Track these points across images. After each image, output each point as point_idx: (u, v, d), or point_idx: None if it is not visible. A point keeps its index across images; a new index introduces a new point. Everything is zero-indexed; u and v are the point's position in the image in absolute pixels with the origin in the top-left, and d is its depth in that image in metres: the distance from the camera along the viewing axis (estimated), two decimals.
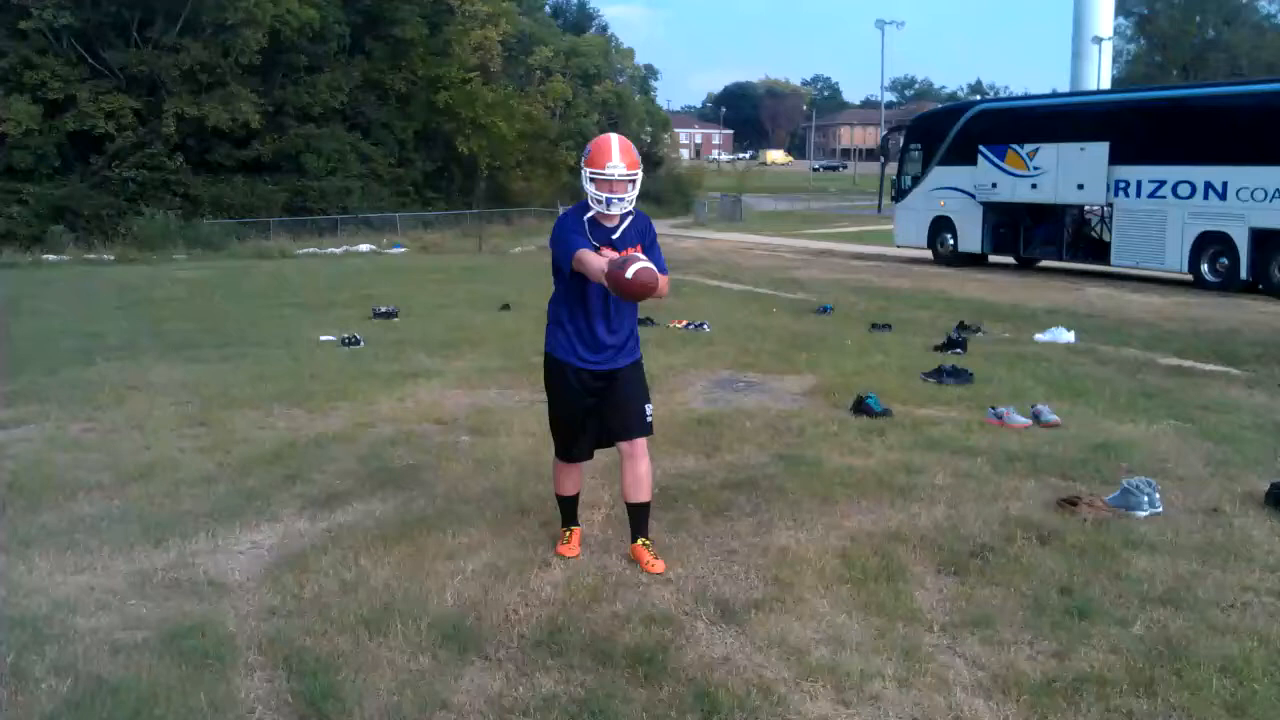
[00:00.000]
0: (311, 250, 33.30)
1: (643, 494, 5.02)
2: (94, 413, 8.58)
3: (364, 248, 34.10)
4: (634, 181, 4.76)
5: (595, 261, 4.58)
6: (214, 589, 4.72)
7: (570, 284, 4.85)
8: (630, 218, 4.87)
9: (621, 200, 4.74)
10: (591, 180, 4.74)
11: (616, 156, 4.72)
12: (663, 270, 4.69)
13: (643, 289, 4.48)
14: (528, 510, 5.82)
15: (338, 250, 33.44)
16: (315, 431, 7.83)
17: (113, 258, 30.38)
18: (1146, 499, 5.71)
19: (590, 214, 4.82)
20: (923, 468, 6.64)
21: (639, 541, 5.04)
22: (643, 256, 4.60)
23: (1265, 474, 6.39)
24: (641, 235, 4.88)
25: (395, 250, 33.63)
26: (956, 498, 6.01)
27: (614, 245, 4.78)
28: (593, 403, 4.97)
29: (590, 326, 4.89)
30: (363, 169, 43.30)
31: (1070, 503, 5.77)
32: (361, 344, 12.15)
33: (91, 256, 30.73)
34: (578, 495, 5.31)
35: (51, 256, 30.56)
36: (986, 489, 6.18)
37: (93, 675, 3.84)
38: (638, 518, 5.07)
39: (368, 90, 44.84)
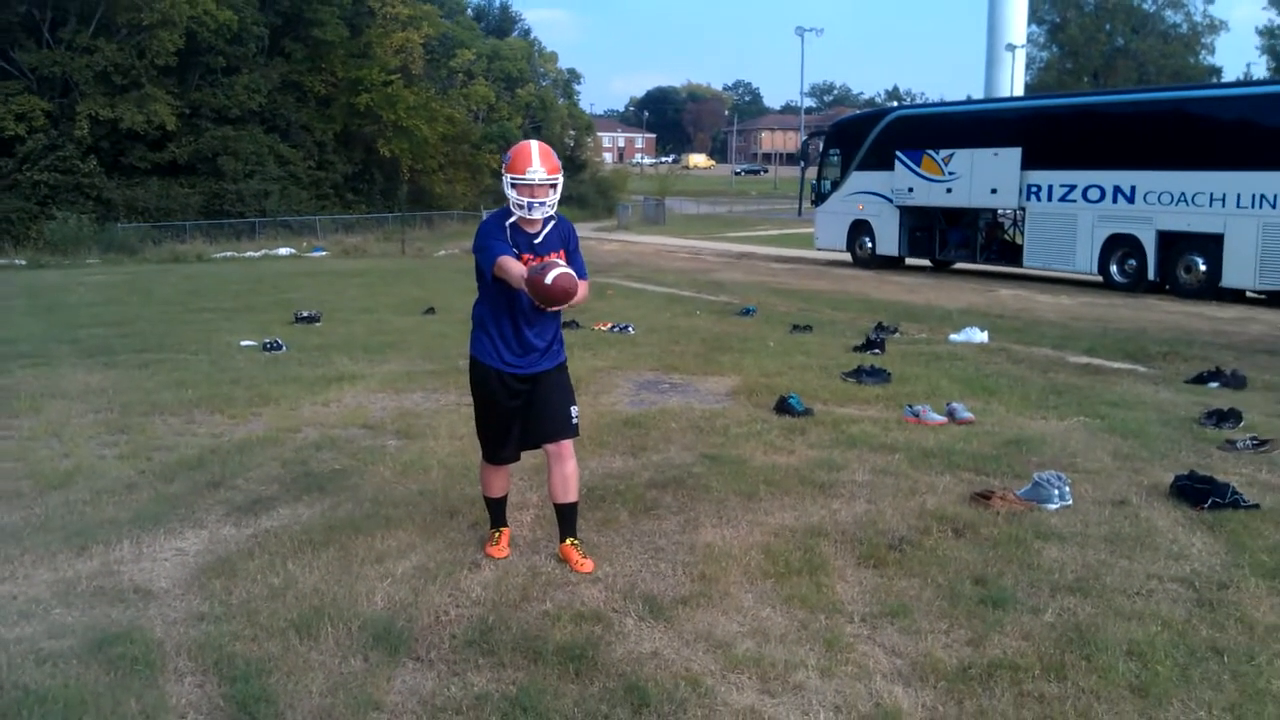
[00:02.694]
0: (229, 254, 32.81)
1: (570, 495, 5.09)
2: (10, 420, 8.41)
3: (283, 251, 33.67)
4: (555, 186, 4.81)
5: (515, 268, 4.63)
6: (140, 596, 4.69)
7: (493, 289, 4.88)
8: (552, 223, 4.92)
9: (543, 205, 4.79)
10: (512, 186, 4.78)
11: (536, 162, 4.76)
12: (582, 275, 4.78)
13: (562, 294, 4.53)
14: (456, 512, 5.85)
15: (256, 254, 32.98)
16: (238, 437, 7.76)
17: (24, 262, 29.61)
18: (1057, 492, 5.92)
19: (512, 219, 4.84)
20: (843, 464, 6.80)
21: (568, 541, 5.10)
22: (562, 262, 4.65)
23: (1170, 467, 6.66)
24: (564, 240, 4.94)
25: (316, 254, 33.26)
26: (875, 493, 6.17)
27: (536, 251, 4.82)
28: (518, 405, 5.00)
29: (514, 331, 4.92)
30: (281, 171, 42.70)
31: (984, 497, 5.96)
32: (284, 349, 12.03)
33: (2, 261, 29.89)
34: (506, 497, 5.34)
35: None
36: (904, 484, 6.35)
37: (18, 685, 3.80)
38: (566, 518, 5.13)
39: (287, 92, 44.25)
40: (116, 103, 38.06)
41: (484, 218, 5.06)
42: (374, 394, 9.42)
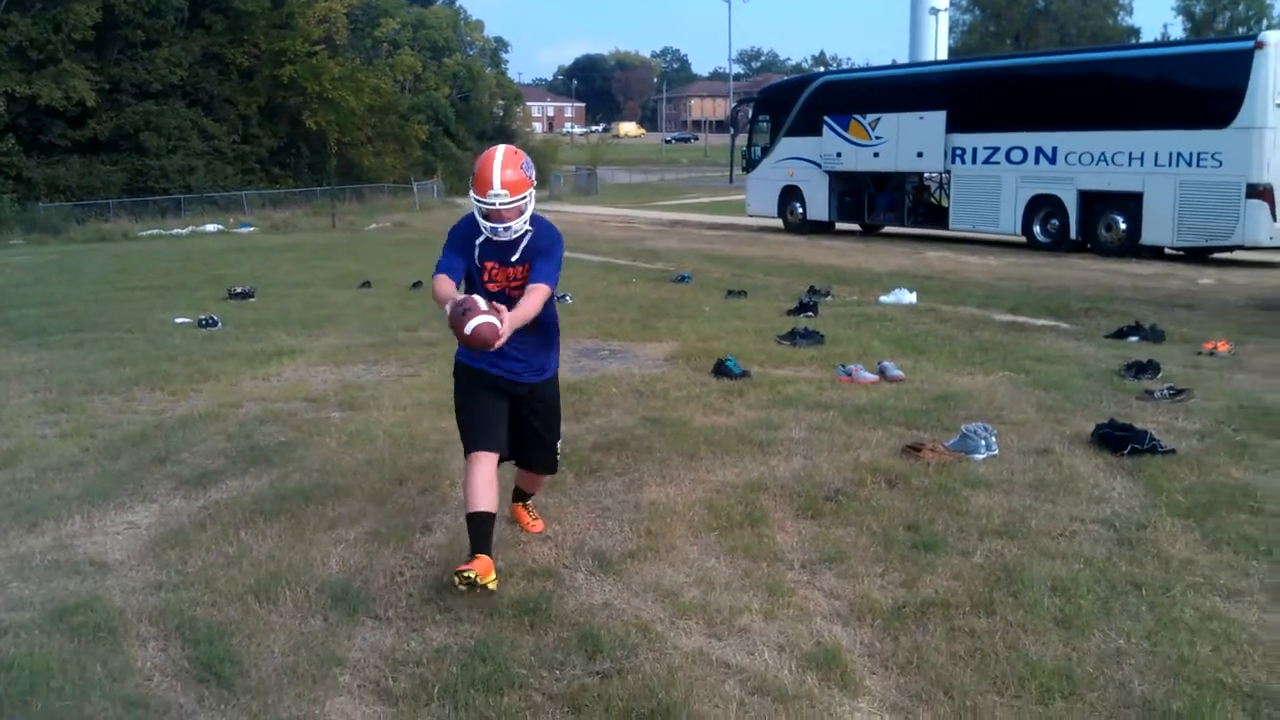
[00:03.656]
0: (155, 231, 32.29)
1: (536, 489, 5.19)
2: None
3: (211, 228, 33.20)
4: (523, 207, 4.33)
5: (443, 295, 4.29)
6: (95, 568, 4.75)
7: (468, 292, 4.40)
8: (529, 235, 4.45)
9: (509, 228, 4.33)
10: (475, 206, 4.34)
11: (497, 182, 4.25)
12: (550, 281, 4.40)
13: (480, 345, 4.13)
14: (405, 479, 5.95)
15: (183, 231, 32.47)
16: (180, 413, 7.78)
17: None
18: (984, 443, 6.18)
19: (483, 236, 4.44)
20: (780, 423, 7.01)
21: (520, 502, 5.16)
22: (484, 306, 4.10)
23: (1091, 417, 6.95)
24: (540, 251, 4.45)
25: (244, 229, 32.82)
26: (812, 449, 6.39)
27: (507, 263, 4.44)
28: (508, 404, 4.59)
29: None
30: (205, 146, 41.92)
31: (914, 449, 6.21)
32: (219, 325, 11.97)
33: None
34: (493, 515, 4.37)
35: None
36: (838, 440, 6.58)
37: None
38: (525, 493, 5.17)
39: (208, 65, 43.35)
40: (33, 79, 37.05)
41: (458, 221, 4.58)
42: (314, 368, 9.45)
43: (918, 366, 8.88)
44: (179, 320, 12.42)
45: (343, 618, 4.12)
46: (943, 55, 43.11)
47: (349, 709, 3.46)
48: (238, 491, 5.85)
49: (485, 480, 4.34)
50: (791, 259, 19.17)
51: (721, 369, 8.64)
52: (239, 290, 14.82)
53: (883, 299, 13.27)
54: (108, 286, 16.98)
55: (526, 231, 4.44)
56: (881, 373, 8.49)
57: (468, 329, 4.06)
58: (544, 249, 4.45)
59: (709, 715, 3.36)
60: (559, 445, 4.86)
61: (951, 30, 55.28)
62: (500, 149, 4.36)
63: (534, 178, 4.40)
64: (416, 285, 14.92)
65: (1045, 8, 71.03)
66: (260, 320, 12.38)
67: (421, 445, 6.68)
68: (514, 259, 4.44)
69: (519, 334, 4.31)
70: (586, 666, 3.70)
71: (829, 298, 13.47)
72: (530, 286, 4.36)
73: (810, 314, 11.85)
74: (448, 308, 4.16)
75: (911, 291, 13.40)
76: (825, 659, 3.69)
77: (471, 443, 4.48)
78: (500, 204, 4.26)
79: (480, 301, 4.13)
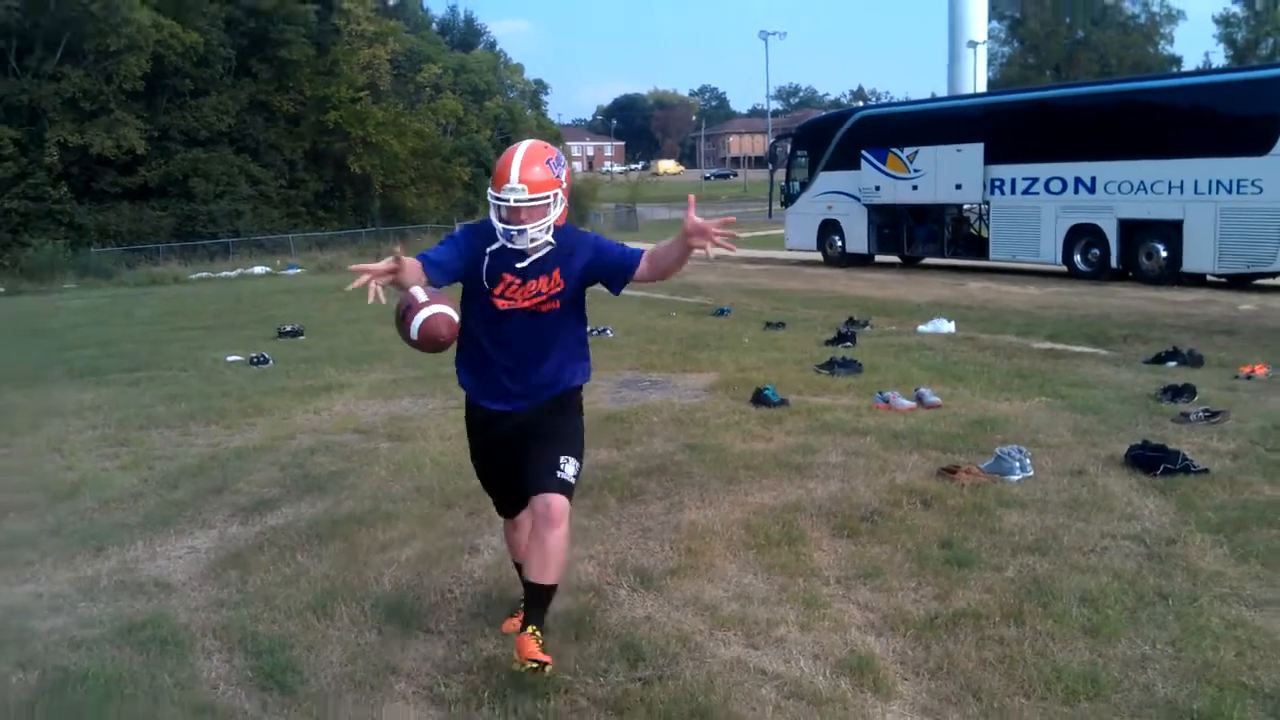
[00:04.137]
0: (204, 274, 33.00)
1: (548, 574, 3.80)
2: (10, 438, 8.66)
3: (259, 270, 33.89)
4: (547, 205, 3.71)
5: (402, 294, 3.77)
6: (160, 589, 4.98)
7: (468, 311, 3.93)
8: (553, 247, 3.80)
9: (524, 233, 3.70)
10: (492, 204, 3.74)
11: (515, 175, 3.66)
12: (635, 252, 3.85)
13: (433, 346, 3.77)
14: (452, 504, 6.16)
15: (232, 273, 33.18)
16: (235, 445, 8.05)
17: (1, 289, 29.66)
18: (1018, 464, 6.29)
19: (497, 244, 3.79)
20: (818, 448, 7.15)
21: (528, 629, 3.79)
22: (427, 298, 3.70)
23: (1126, 439, 7.01)
24: (563, 262, 3.83)
25: (291, 271, 33.49)
26: (848, 472, 6.52)
27: (520, 274, 3.79)
28: (504, 455, 4.05)
29: (492, 372, 3.95)
30: (252, 191, 42.88)
31: (950, 471, 6.32)
32: (270, 362, 12.30)
33: None
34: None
35: None
36: (875, 464, 6.71)
37: (58, 667, 4.09)
38: (534, 599, 3.86)
39: (255, 112, 44.40)
40: (85, 128, 38.15)
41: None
42: (363, 401, 9.71)
43: (955, 393, 8.98)
44: (231, 358, 12.77)
45: (396, 631, 4.31)
46: (981, 88, 43.36)
47: (405, 713, 3.65)
48: (293, 517, 6.07)
49: (522, 537, 4.11)
50: (830, 291, 19.31)
51: (760, 397, 8.79)
52: (288, 329, 15.20)
53: (921, 328, 13.37)
54: (160, 327, 17.45)
55: (549, 245, 3.78)
56: (919, 399, 8.60)
57: (413, 330, 3.69)
58: (589, 242, 3.91)
59: (746, 717, 3.51)
60: (566, 464, 3.83)
61: (990, 63, 55.45)
62: (526, 142, 3.84)
63: (566, 179, 3.78)
64: None
65: (1086, 38, 70.94)
66: (310, 357, 12.70)
67: (467, 473, 6.76)
68: (539, 270, 3.80)
69: (524, 361, 3.87)
70: (629, 674, 3.86)
71: (867, 328, 13.59)
72: (631, 258, 3.85)
73: (849, 344, 11.98)
74: (395, 306, 3.75)
75: (950, 321, 13.50)
76: (859, 666, 3.83)
77: (501, 509, 4.32)
78: (516, 201, 3.65)
79: (418, 293, 3.67)
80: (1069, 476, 6.27)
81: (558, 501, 3.74)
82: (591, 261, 3.85)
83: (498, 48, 77.46)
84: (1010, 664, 3.79)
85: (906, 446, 7.13)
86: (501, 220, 3.70)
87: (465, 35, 76.34)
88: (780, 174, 28.91)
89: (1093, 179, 20.13)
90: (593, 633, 4.22)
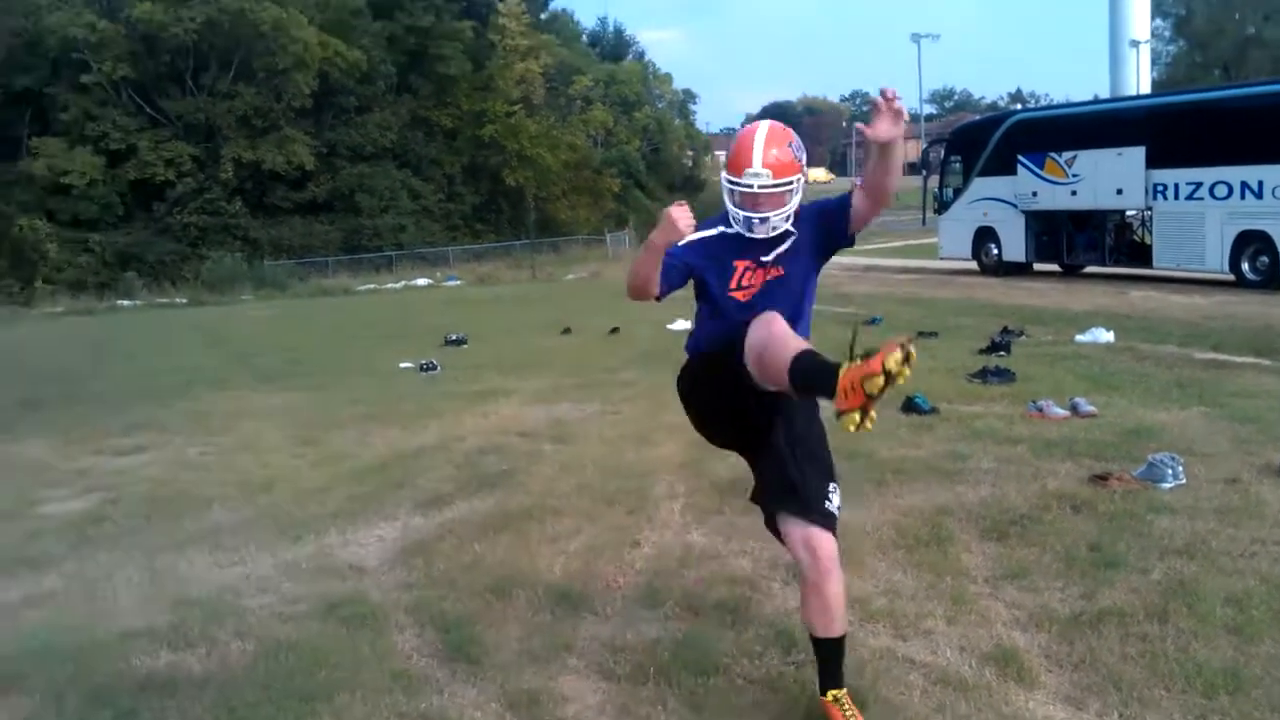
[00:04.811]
0: (371, 286, 34.52)
1: (833, 626, 3.56)
2: (208, 438, 9.45)
3: (421, 281, 35.27)
4: (791, 191, 3.48)
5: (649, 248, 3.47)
6: (354, 572, 5.50)
7: (704, 311, 3.72)
8: (794, 237, 3.59)
9: (765, 221, 3.49)
10: (729, 189, 3.53)
11: (759, 159, 3.44)
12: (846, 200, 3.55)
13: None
14: (613, 502, 6.54)
15: (396, 285, 34.62)
16: (412, 446, 8.62)
17: (185, 300, 31.68)
18: (1171, 472, 6.32)
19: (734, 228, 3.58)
20: (968, 455, 7.28)
21: (829, 695, 3.58)
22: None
23: None
24: (795, 231, 3.59)
25: (451, 283, 34.73)
26: (999, 478, 6.65)
27: (762, 264, 3.60)
28: (750, 405, 3.62)
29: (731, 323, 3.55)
30: (414, 205, 44.67)
31: (1101, 478, 6.40)
32: (439, 369, 12.99)
33: (164, 300, 32.13)
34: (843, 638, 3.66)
35: (125, 302, 32.00)
36: (1026, 470, 6.81)
37: (270, 638, 4.61)
38: (826, 657, 3.62)
39: (415, 127, 46.23)
40: (258, 145, 40.42)
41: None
42: (526, 406, 10.22)
43: (1111, 403, 8.94)
44: (403, 365, 13.53)
45: (568, 613, 4.70)
46: (1145, 89, 41.93)
47: (578, 685, 4.02)
48: (468, 511, 6.55)
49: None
50: (985, 300, 19.13)
51: (910, 405, 8.92)
52: (454, 338, 15.96)
53: (1078, 338, 13.21)
54: (336, 335, 18.53)
55: (789, 234, 3.58)
56: (1074, 409, 8.60)
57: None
58: (809, 215, 3.63)
59: (894, 700, 3.77)
60: (834, 493, 3.60)
61: (1154, 62, 53.58)
62: (765, 123, 3.58)
63: (805, 161, 3.56)
64: (614, 331, 15.72)
65: (1256, 35, 67.73)
66: (475, 364, 13.35)
67: (626, 473, 7.26)
68: (774, 256, 3.59)
69: (777, 301, 3.56)
70: (783, 658, 4.15)
71: (1023, 337, 13.49)
72: (844, 198, 3.57)
73: (1003, 353, 11.94)
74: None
75: (1109, 330, 13.30)
76: (1003, 658, 4.03)
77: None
78: (759, 186, 3.45)
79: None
80: (1222, 484, 6.27)
81: (827, 544, 3.50)
82: (817, 228, 3.62)
83: (646, 58, 78.26)
84: (1152, 659, 3.94)
85: (1059, 455, 7.20)
86: (738, 206, 3.51)
87: (615, 46, 77.44)
88: (933, 181, 28.63)
89: (1260, 184, 19.38)
90: (749, 620, 4.53)
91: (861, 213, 3.55)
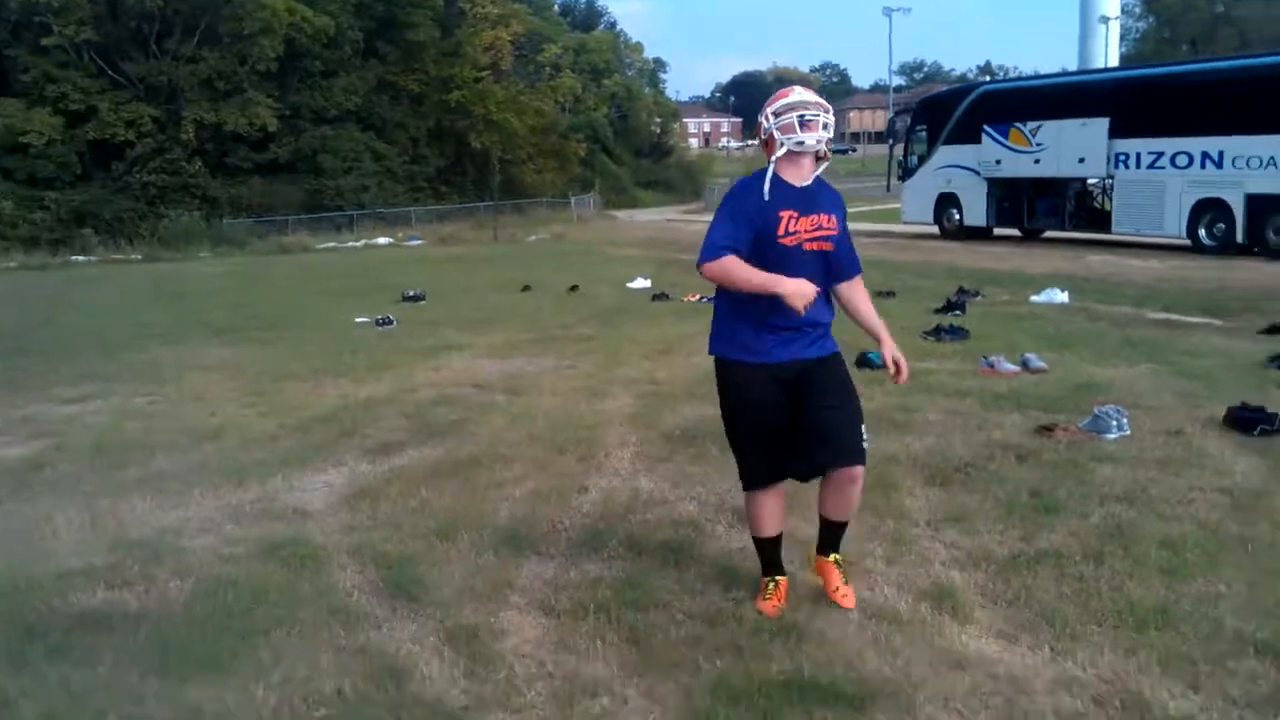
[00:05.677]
0: (331, 245, 34.23)
1: (845, 512, 4.06)
2: (156, 388, 9.33)
3: (382, 241, 35.02)
4: (829, 116, 3.83)
5: (755, 276, 3.74)
6: (298, 515, 5.46)
7: (750, 263, 3.82)
8: (822, 187, 3.95)
9: (819, 141, 3.81)
10: (775, 116, 3.81)
11: (799, 89, 3.89)
12: (856, 270, 4.09)
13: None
14: (564, 450, 6.53)
15: (357, 244, 34.35)
16: (363, 396, 8.56)
17: (140, 256, 31.32)
18: (1115, 423, 6.39)
19: (771, 172, 3.85)
20: (917, 408, 7.33)
21: (831, 556, 4.12)
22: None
23: (1228, 403, 7.04)
24: (836, 206, 3.97)
25: (412, 242, 34.52)
26: (946, 429, 6.70)
27: (805, 209, 3.83)
28: (782, 404, 3.97)
29: (766, 311, 3.85)
30: (377, 167, 44.30)
31: (1047, 429, 6.46)
32: (394, 324, 12.91)
33: (119, 256, 31.75)
34: (780, 537, 4.21)
35: (80, 257, 31.59)
36: (973, 422, 6.87)
37: (209, 576, 4.56)
38: (831, 532, 4.12)
39: (381, 92, 45.80)
40: (220, 107, 39.93)
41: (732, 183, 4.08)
42: (480, 360, 10.18)
43: (1061, 360, 9.02)
44: (359, 320, 13.44)
45: (511, 554, 4.69)
46: (1113, 63, 42.16)
47: (518, 620, 4.01)
48: (417, 459, 6.51)
49: (771, 510, 4.13)
50: (945, 263, 19.24)
51: (864, 361, 8.93)
52: (411, 294, 15.86)
53: (1034, 298, 13.32)
54: (292, 292, 18.34)
55: (829, 199, 3.94)
56: (1024, 364, 8.67)
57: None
58: (841, 217, 3.99)
59: (830, 633, 3.79)
60: (862, 428, 4.03)
61: (1123, 38, 53.83)
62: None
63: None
64: (573, 289, 15.69)
65: (1225, 13, 68.11)
66: (431, 320, 13.28)
67: (578, 424, 7.25)
68: (815, 207, 3.87)
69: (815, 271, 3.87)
70: (724, 595, 4.16)
71: (979, 298, 13.59)
72: (857, 285, 4.11)
73: (958, 312, 12.03)
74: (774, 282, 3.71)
75: (1064, 291, 13.41)
76: (939, 595, 4.07)
77: (752, 480, 4.12)
78: (801, 97, 3.83)
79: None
80: (1165, 436, 6.35)
81: (860, 470, 3.99)
82: (843, 229, 3.99)
83: (618, 27, 77.73)
84: (1086, 597, 3.98)
85: (1007, 407, 7.26)
86: (793, 115, 3.77)
87: (586, 16, 76.92)
88: (899, 148, 28.79)
89: (1220, 154, 19.71)
90: (691, 559, 4.54)
91: (840, 293, 4.13)
